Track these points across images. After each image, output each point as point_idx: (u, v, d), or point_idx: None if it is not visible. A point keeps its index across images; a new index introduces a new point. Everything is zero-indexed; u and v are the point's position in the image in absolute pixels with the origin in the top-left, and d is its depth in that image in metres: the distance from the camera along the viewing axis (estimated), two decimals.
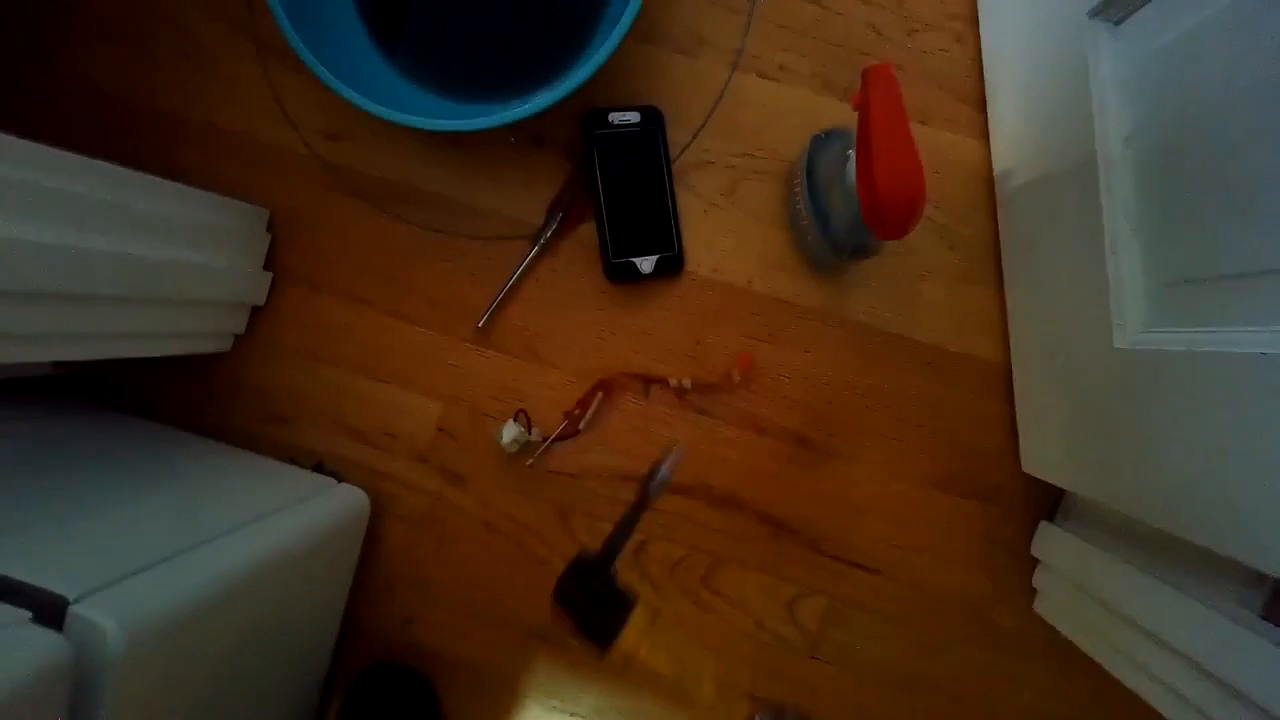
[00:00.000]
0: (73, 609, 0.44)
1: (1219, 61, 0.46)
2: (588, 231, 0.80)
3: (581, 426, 0.80)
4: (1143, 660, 0.61)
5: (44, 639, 0.42)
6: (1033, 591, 0.79)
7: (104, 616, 0.44)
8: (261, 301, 0.81)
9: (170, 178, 0.67)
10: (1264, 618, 0.54)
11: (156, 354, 0.71)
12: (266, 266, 0.82)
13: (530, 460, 0.81)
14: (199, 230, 0.71)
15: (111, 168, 0.60)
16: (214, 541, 0.59)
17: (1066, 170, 0.61)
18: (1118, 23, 0.55)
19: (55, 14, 0.83)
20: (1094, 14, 0.55)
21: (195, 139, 0.82)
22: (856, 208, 0.60)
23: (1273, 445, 0.44)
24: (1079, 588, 0.72)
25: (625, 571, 0.81)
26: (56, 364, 0.74)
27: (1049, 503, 0.79)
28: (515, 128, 0.79)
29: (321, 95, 0.78)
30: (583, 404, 0.79)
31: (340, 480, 0.80)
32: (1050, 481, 0.72)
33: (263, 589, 0.63)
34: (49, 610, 0.43)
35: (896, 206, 0.54)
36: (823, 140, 0.70)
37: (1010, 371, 0.78)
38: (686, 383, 0.79)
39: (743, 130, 0.80)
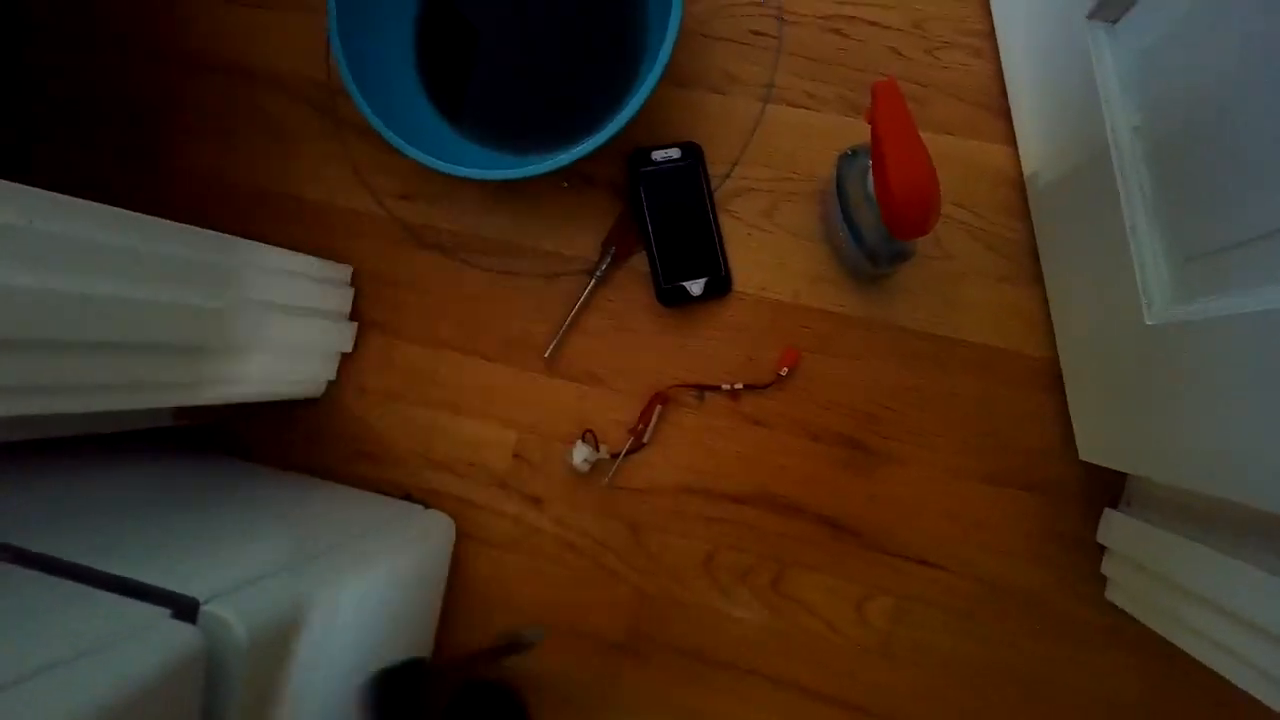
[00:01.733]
0: (204, 608, 0.51)
1: (1205, 47, 0.49)
2: (640, 262, 0.86)
3: (646, 439, 0.85)
4: (1213, 634, 0.62)
5: (183, 631, 0.49)
6: (1102, 579, 0.79)
7: (230, 614, 0.52)
8: (349, 348, 0.90)
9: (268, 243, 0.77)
10: None
11: (263, 398, 0.80)
12: (352, 317, 0.90)
13: (605, 479, 0.86)
14: (292, 286, 0.80)
15: (217, 235, 0.70)
16: (317, 558, 0.66)
17: (1085, 164, 0.64)
18: (1114, 21, 0.59)
19: (160, 112, 0.96)
20: (1091, 15, 0.59)
21: (288, 211, 0.93)
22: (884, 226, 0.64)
23: None
24: (1147, 570, 0.72)
25: (695, 580, 0.85)
26: (177, 414, 0.83)
27: (1111, 491, 0.79)
28: (567, 173, 0.86)
29: (392, 160, 0.88)
30: (644, 416, 0.84)
31: (427, 507, 0.87)
32: (1108, 466, 0.74)
33: (358, 605, 0.70)
34: (185, 609, 0.51)
35: (911, 205, 0.58)
36: (849, 157, 0.75)
37: (1057, 364, 0.80)
38: (738, 385, 0.83)
39: (777, 156, 0.86)
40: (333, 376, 0.90)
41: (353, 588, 0.67)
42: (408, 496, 0.90)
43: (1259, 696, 0.57)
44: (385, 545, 0.76)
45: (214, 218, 0.91)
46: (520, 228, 0.89)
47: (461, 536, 0.89)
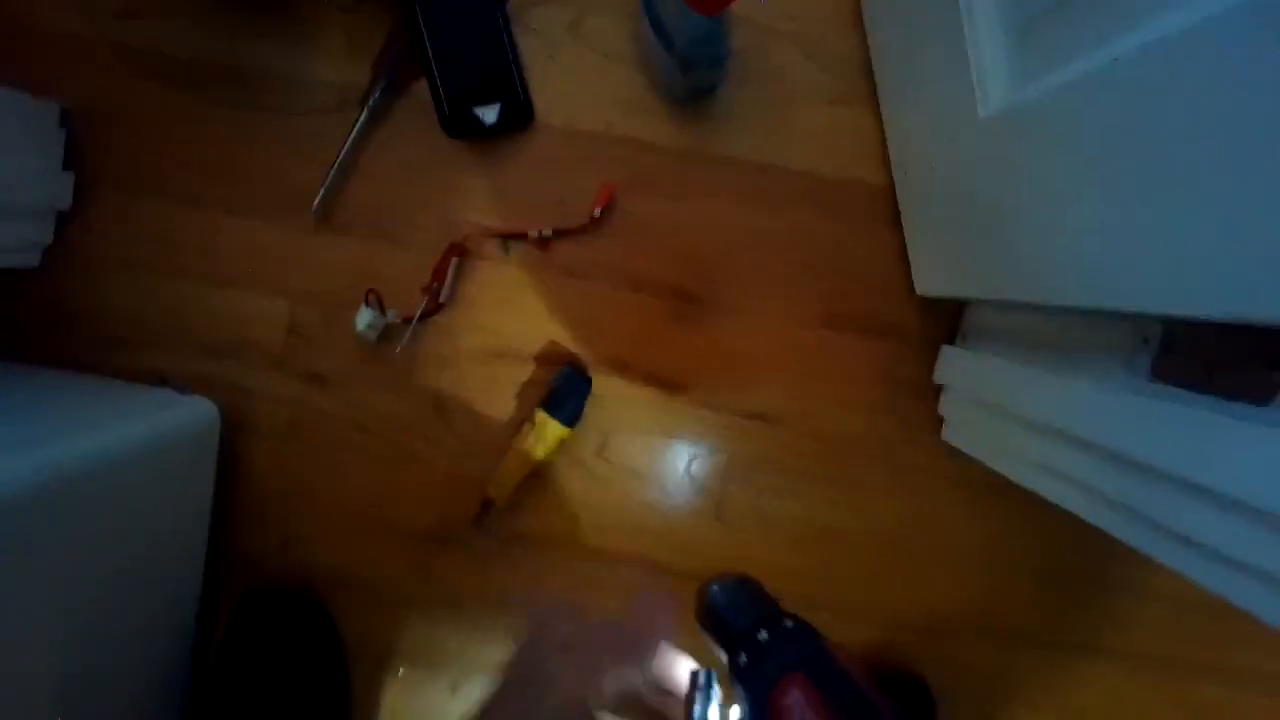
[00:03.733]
0: None
1: None
2: (424, 92, 0.72)
3: (443, 299, 0.73)
4: (1049, 460, 0.58)
5: None
6: (939, 422, 0.75)
7: None
8: (67, 205, 0.72)
9: None
10: (1153, 380, 0.50)
11: None
12: (71, 168, 0.73)
13: (398, 347, 0.74)
14: None
15: None
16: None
17: None
18: None
19: None
20: None
21: None
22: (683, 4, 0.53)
23: (1136, 169, 0.39)
24: (982, 404, 0.68)
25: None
26: None
27: (947, 329, 0.74)
28: None
29: None
30: (439, 273, 0.72)
31: (184, 393, 0.72)
32: (942, 295, 0.68)
33: (91, 499, 0.56)
34: None
35: None
36: None
37: (893, 192, 0.72)
38: (547, 231, 0.72)
39: None
40: (48, 239, 0.73)
41: (74, 485, 0.54)
42: (163, 382, 0.75)
43: (1085, 516, 0.54)
44: (119, 437, 0.62)
45: None
46: (277, 53, 0.73)
47: (238, 427, 0.76)
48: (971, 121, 0.55)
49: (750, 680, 0.58)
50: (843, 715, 0.55)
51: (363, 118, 0.71)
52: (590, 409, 0.74)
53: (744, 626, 0.62)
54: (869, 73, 0.73)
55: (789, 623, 0.61)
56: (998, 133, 0.53)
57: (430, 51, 0.69)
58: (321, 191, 0.72)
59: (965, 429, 0.72)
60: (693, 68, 0.65)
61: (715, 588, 0.68)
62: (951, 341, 0.73)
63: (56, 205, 0.72)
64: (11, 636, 0.52)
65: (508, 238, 0.73)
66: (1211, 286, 0.37)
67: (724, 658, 0.63)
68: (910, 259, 0.72)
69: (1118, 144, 0.41)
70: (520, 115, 0.72)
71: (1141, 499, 0.48)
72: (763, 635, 0.60)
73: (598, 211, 0.72)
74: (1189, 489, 0.42)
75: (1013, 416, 0.62)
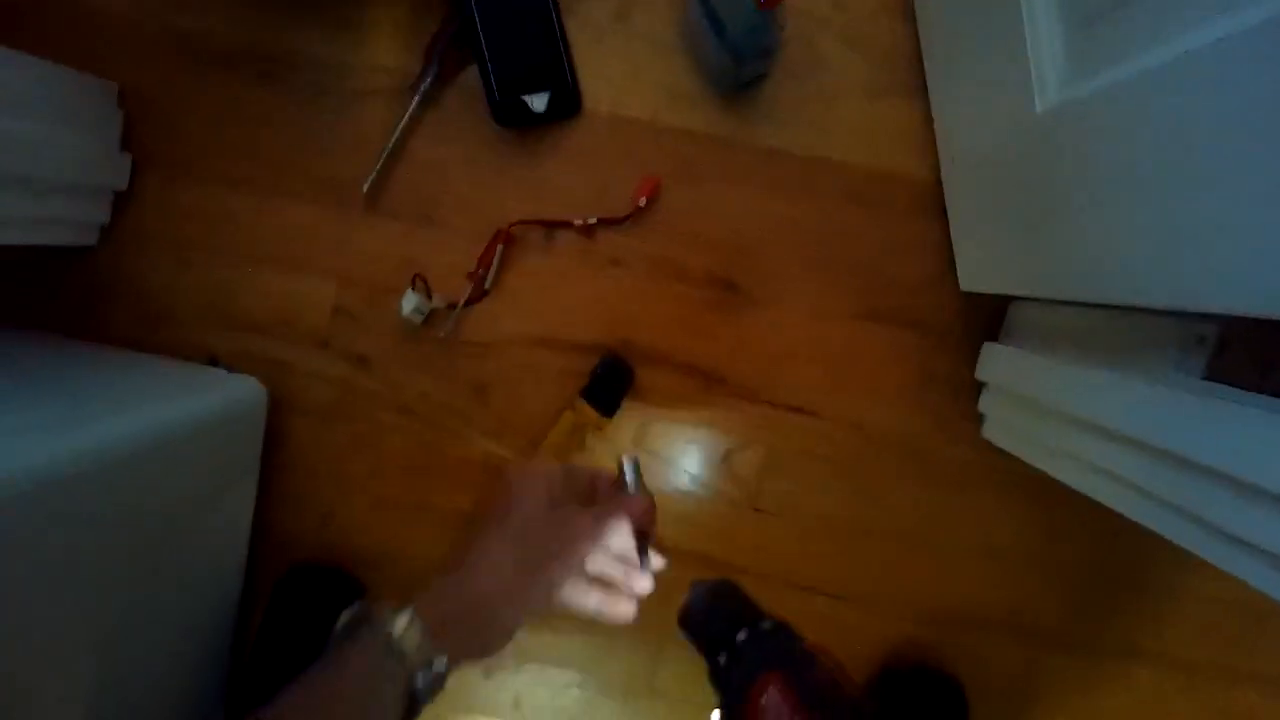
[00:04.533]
0: None
1: None
2: (475, 80, 0.73)
3: (487, 286, 0.74)
4: (1096, 459, 0.57)
5: None
6: (978, 418, 0.75)
7: None
8: (124, 186, 0.74)
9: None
10: (1206, 378, 0.50)
11: (7, 242, 0.64)
12: (126, 149, 0.74)
13: (443, 332, 0.75)
14: (35, 97, 0.64)
15: None
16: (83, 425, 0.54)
17: None
18: None
19: None
20: None
21: (30, 10, 0.74)
22: None
23: (1200, 165, 0.39)
24: (1025, 401, 0.68)
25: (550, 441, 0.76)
26: None
27: (990, 326, 0.74)
28: None
29: None
30: (484, 260, 0.73)
31: (233, 372, 0.74)
32: (990, 291, 0.67)
33: (143, 475, 0.58)
34: None
35: None
36: None
37: (939, 186, 0.72)
38: (591, 219, 0.73)
39: None
40: (106, 219, 0.74)
41: (125, 460, 0.55)
42: (213, 361, 0.76)
43: (1132, 515, 0.53)
44: (174, 414, 0.63)
45: None
46: (327, 38, 0.74)
47: (283, 405, 0.77)
48: (1026, 115, 0.55)
49: (728, 681, 0.58)
50: (821, 714, 0.55)
51: (415, 102, 0.72)
52: (629, 397, 0.75)
53: (722, 629, 0.62)
54: (917, 65, 0.72)
55: (767, 624, 0.61)
56: (1053, 127, 0.52)
57: (482, 39, 0.70)
58: (371, 176, 0.73)
59: (1006, 427, 0.72)
60: (743, 57, 0.65)
61: (694, 592, 0.68)
62: (994, 338, 0.73)
63: (114, 185, 0.73)
64: (73, 603, 0.54)
65: (552, 225, 0.74)
66: (1272, 285, 0.36)
67: (705, 661, 0.63)
68: (955, 254, 0.72)
69: (1182, 140, 0.41)
70: (569, 103, 0.72)
71: (1193, 498, 0.48)
72: (741, 636, 0.60)
73: (642, 202, 0.72)
74: (1242, 488, 0.42)
75: (1058, 415, 0.62)
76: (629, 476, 0.48)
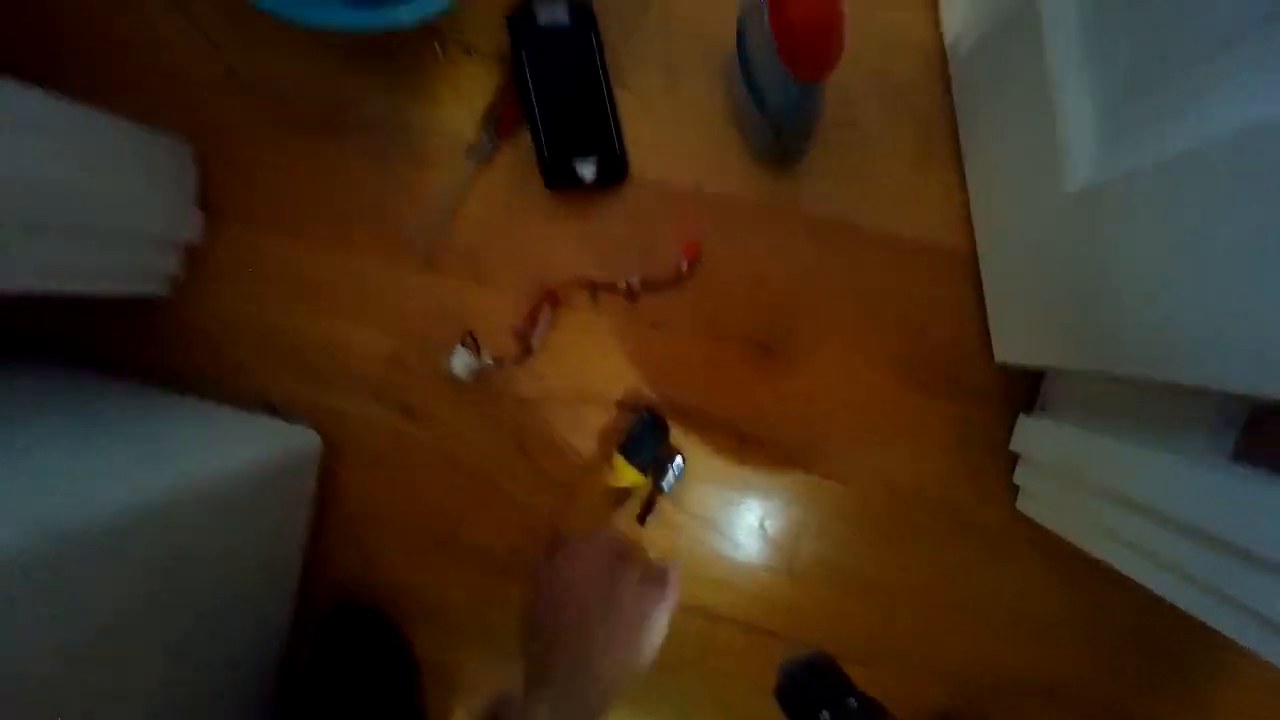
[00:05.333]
0: None
1: None
2: (528, 147, 0.76)
3: (534, 343, 0.76)
4: (1127, 534, 0.58)
5: None
6: (1013, 490, 0.75)
7: None
8: (197, 239, 0.78)
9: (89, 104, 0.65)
10: (1235, 459, 0.50)
11: (86, 291, 0.69)
12: (203, 206, 0.79)
13: (489, 386, 0.78)
14: (115, 156, 0.68)
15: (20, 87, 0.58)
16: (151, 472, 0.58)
17: (1011, 14, 0.57)
18: None
19: None
20: None
21: (113, 71, 0.79)
22: (783, 70, 0.55)
23: (1228, 251, 0.40)
24: (1059, 475, 0.68)
25: (588, 496, 0.78)
26: None
27: (1024, 398, 0.74)
28: (442, 38, 0.75)
29: (241, 14, 0.75)
30: (530, 318, 0.76)
31: (291, 422, 0.77)
32: (1023, 364, 0.68)
33: (203, 518, 0.61)
34: None
35: (810, 34, 0.49)
36: (750, 5, 0.66)
37: (975, 256, 0.73)
38: (635, 281, 0.75)
39: (679, 22, 0.76)
40: (175, 270, 0.79)
41: (181, 508, 0.59)
42: (271, 410, 0.80)
43: (1162, 592, 0.53)
44: (231, 464, 0.67)
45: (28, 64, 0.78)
46: (393, 104, 0.78)
47: (335, 451, 0.81)
48: (1058, 194, 0.56)
49: None
50: None
51: (473, 167, 0.75)
52: (663, 450, 0.77)
53: (808, 708, 0.64)
54: (955, 136, 0.74)
55: (853, 701, 0.62)
56: (1083, 207, 0.53)
57: (536, 107, 0.73)
58: (429, 234, 0.76)
59: (1040, 499, 0.72)
60: (785, 131, 0.68)
61: (786, 668, 0.70)
62: (1029, 410, 0.73)
63: (187, 239, 0.78)
64: (131, 644, 0.57)
65: (597, 288, 0.77)
66: None
67: None
68: (990, 326, 0.72)
69: (1213, 224, 0.41)
70: (616, 170, 0.75)
71: (1223, 578, 0.48)
72: (824, 716, 0.61)
73: (685, 266, 0.75)
74: (1273, 570, 0.42)
75: (1091, 488, 0.62)
76: (672, 475, 0.58)
